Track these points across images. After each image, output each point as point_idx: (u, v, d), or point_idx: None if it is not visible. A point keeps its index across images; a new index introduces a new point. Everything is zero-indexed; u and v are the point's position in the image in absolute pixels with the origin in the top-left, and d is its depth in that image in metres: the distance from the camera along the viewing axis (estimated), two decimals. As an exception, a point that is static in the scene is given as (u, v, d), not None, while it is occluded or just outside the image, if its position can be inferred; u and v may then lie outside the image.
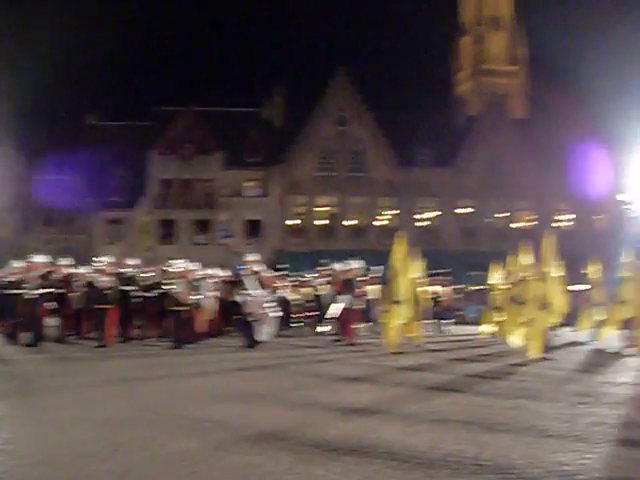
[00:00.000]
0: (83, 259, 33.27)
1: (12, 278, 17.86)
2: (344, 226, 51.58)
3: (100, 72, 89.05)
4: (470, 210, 53.24)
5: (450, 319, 28.97)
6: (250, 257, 17.54)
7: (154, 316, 19.67)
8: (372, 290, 22.42)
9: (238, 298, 16.93)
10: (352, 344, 17.64)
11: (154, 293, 19.06)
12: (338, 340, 18.82)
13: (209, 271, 20.53)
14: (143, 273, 19.62)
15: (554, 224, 50.42)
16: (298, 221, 51.72)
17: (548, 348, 14.22)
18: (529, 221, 53.03)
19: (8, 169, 49.50)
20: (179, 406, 7.53)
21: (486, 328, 21.50)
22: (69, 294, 18.82)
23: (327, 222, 51.81)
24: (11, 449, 5.41)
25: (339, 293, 18.89)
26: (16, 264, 18.37)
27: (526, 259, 16.01)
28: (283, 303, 22.88)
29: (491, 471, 4.72)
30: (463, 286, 42.70)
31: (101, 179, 50.31)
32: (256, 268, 17.35)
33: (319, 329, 23.02)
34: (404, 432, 6.06)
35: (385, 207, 52.44)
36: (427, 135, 51.49)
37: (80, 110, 58.09)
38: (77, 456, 5.17)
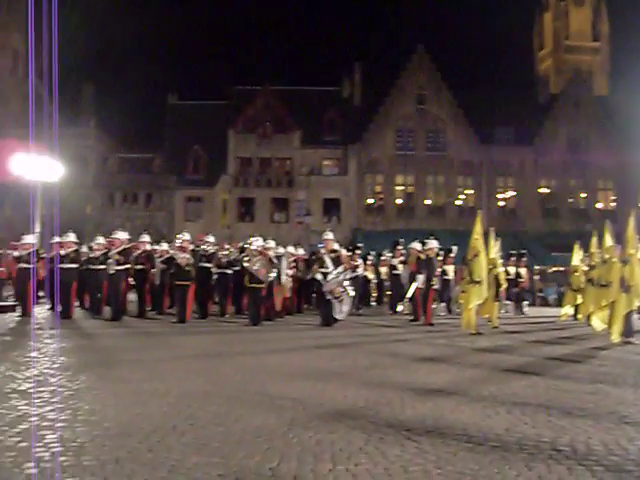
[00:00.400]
0: (164, 236, 33.94)
1: (95, 254, 18.28)
2: (422, 205, 51.20)
3: (182, 52, 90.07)
4: (551, 190, 52.16)
5: (528, 300, 28.55)
6: (328, 235, 17.55)
7: (232, 293, 19.91)
8: (449, 270, 22.25)
9: (317, 276, 16.98)
10: (429, 324, 17.54)
11: (232, 270, 19.26)
12: (415, 320, 18.75)
13: (287, 249, 20.63)
14: (222, 250, 19.83)
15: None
16: (376, 200, 51.53)
17: (630, 332, 13.87)
18: (611, 201, 51.74)
19: (92, 148, 50.64)
20: (255, 383, 7.61)
21: (567, 310, 21.11)
22: (150, 270, 19.20)
23: (405, 201, 51.48)
24: (94, 420, 5.56)
25: (416, 272, 18.78)
26: (99, 240, 18.79)
27: (608, 240, 15.60)
28: (361, 282, 22.90)
29: (568, 457, 4.64)
30: (544, 267, 42.08)
31: (182, 157, 50.99)
32: (334, 246, 17.37)
33: (396, 308, 22.97)
34: (480, 414, 6.00)
35: (464, 186, 51.80)
36: (507, 113, 50.59)
37: (162, 90, 58.97)
38: (155, 429, 5.28)
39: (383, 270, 24.72)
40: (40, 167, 27.08)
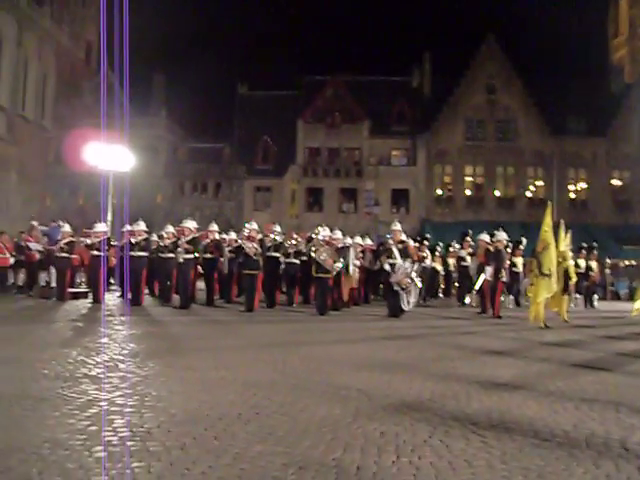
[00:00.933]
0: (232, 225, 34.27)
1: (165, 242, 18.56)
2: (491, 196, 50.58)
3: (252, 42, 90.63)
4: (623, 182, 50.98)
5: (599, 294, 28.02)
6: (396, 226, 17.48)
7: (300, 283, 20.00)
8: (518, 262, 21.97)
9: (384, 267, 16.94)
10: (497, 317, 17.36)
11: (300, 260, 19.34)
12: (482, 312, 18.58)
13: (355, 239, 20.62)
14: (290, 240, 19.92)
15: None
16: (444, 191, 51.11)
17: None
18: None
19: (163, 137, 51.35)
20: (321, 373, 7.62)
21: (638, 305, 20.62)
22: (219, 259, 19.39)
23: (474, 192, 50.94)
24: (161, 406, 5.64)
25: (484, 264, 18.60)
26: (169, 229, 19.07)
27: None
28: (429, 273, 22.79)
29: (638, 456, 4.54)
30: (615, 261, 41.23)
31: (251, 147, 51.34)
32: (402, 237, 17.31)
33: (464, 300, 22.80)
34: (547, 409, 5.91)
35: (534, 177, 50.96)
36: (579, 103, 49.50)
37: (232, 80, 59.45)
38: (221, 416, 5.33)
39: (451, 262, 24.53)
40: (112, 157, 27.58)
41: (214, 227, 19.80)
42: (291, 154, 50.89)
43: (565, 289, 16.95)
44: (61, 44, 52.05)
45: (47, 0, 49.98)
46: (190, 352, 9.20)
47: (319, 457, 4.33)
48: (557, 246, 15.79)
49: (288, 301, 19.36)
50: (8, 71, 45.12)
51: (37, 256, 21.64)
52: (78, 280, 23.05)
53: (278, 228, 20.11)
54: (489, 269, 18.13)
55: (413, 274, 16.65)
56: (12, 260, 21.64)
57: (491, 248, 18.56)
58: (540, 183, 50.75)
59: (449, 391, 6.63)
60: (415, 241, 22.29)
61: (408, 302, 16.44)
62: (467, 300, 22.45)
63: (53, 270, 21.28)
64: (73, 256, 19.63)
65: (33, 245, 21.63)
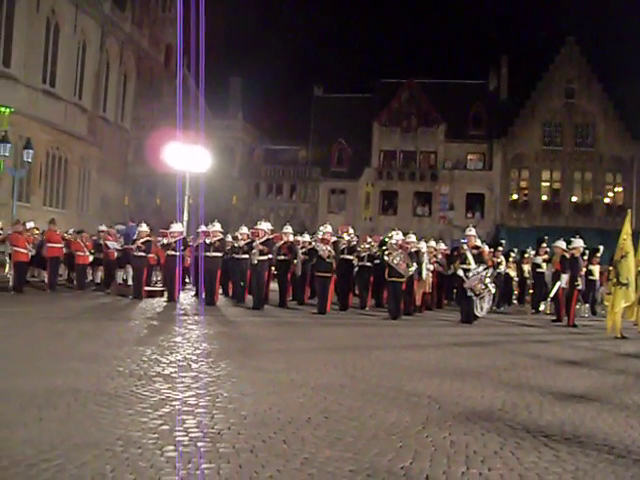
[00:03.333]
0: (307, 227, 34.41)
1: (240, 243, 18.72)
2: (568, 202, 49.62)
3: (328, 45, 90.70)
4: None
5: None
6: (470, 231, 17.30)
7: (373, 286, 19.95)
8: (595, 270, 21.51)
9: (458, 272, 16.78)
10: (572, 325, 17.02)
11: (373, 263, 19.29)
12: (557, 320, 18.24)
13: (429, 243, 20.48)
14: (364, 243, 19.88)
15: None
16: (520, 196, 50.35)
17: None
18: None
19: (239, 139, 51.88)
20: (391, 378, 7.60)
21: None
22: (292, 261, 19.47)
23: (550, 198, 50.06)
24: (232, 408, 5.71)
25: (560, 272, 18.26)
26: (244, 230, 19.22)
27: None
28: (503, 279, 22.49)
29: None
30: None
31: (326, 150, 51.46)
32: (477, 242, 17.12)
33: (538, 308, 22.42)
34: (623, 424, 5.77)
35: (613, 183, 49.75)
36: (662, 108, 48.22)
37: (308, 83, 59.71)
38: (291, 420, 5.37)
39: (526, 268, 24.12)
40: (189, 158, 27.98)
41: (288, 229, 19.87)
42: (366, 157, 50.83)
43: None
44: (141, 47, 53.11)
45: (129, 5, 51.11)
46: (262, 353, 9.27)
47: (387, 465, 4.32)
48: (636, 255, 15.40)
49: (360, 304, 19.33)
50: (90, 74, 46.25)
51: (115, 254, 22.09)
52: (154, 279, 23.43)
53: (352, 231, 20.08)
54: (565, 276, 17.79)
55: (487, 280, 16.44)
56: (91, 258, 22.14)
57: (567, 255, 18.21)
58: (619, 189, 49.57)
59: (521, 401, 6.54)
60: (489, 246, 22.00)
61: (481, 308, 16.24)
62: (541, 308, 22.04)
63: (130, 268, 21.70)
64: (150, 255, 19.97)
65: (111, 243, 22.07)
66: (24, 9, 38.94)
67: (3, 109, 35.05)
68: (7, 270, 20.43)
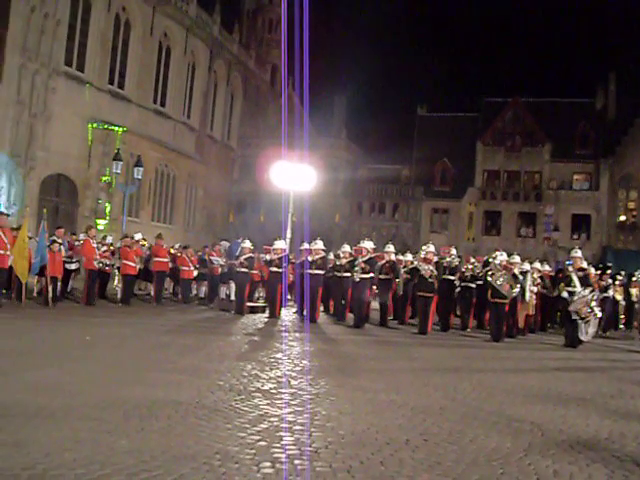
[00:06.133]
0: (409, 246, 34.22)
1: (342, 261, 18.75)
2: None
3: (431, 65, 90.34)
4: None
5: None
6: (576, 253, 16.86)
7: (475, 307, 19.65)
8: None
9: (563, 294, 16.35)
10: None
11: (476, 284, 19.00)
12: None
13: (533, 265, 20.06)
14: (466, 263, 19.63)
15: None
16: (628, 217, 48.80)
17: None
18: None
19: (342, 158, 52.12)
20: (492, 402, 7.43)
21: None
22: (394, 280, 19.37)
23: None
24: (330, 426, 5.67)
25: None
26: (346, 248, 19.24)
27: None
28: (610, 303, 21.82)
29: None
30: None
31: (429, 169, 51.22)
32: (582, 264, 16.67)
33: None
34: None
35: None
36: None
37: (412, 102, 59.58)
38: (389, 441, 5.29)
39: (634, 292, 23.36)
40: (294, 176, 28.22)
41: (390, 248, 19.79)
42: (469, 176, 50.33)
43: None
44: (248, 68, 54.08)
45: (236, 28, 52.19)
46: (361, 372, 9.22)
47: (488, 491, 4.20)
48: None
49: (462, 325, 19.06)
50: (199, 94, 47.36)
51: (219, 270, 22.47)
52: (257, 295, 23.73)
53: (454, 251, 19.86)
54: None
55: (593, 303, 15.95)
56: (196, 272, 22.58)
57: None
58: None
59: (629, 431, 6.27)
60: (596, 269, 21.39)
61: (586, 332, 15.76)
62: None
63: (233, 284, 22.03)
64: (253, 271, 20.23)
65: (215, 259, 22.47)
66: (139, 34, 40.40)
67: (116, 128, 36.30)
68: (116, 283, 21.03)
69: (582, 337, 15.71)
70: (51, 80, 33.10)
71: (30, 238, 18.06)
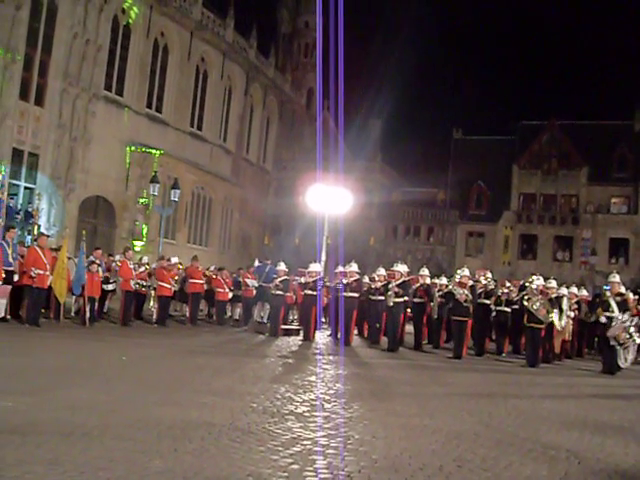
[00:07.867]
0: (444, 270, 34.08)
1: (376, 284, 18.72)
2: None
3: (467, 87, 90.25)
4: None
5: None
6: (614, 277, 16.66)
7: (510, 332, 19.47)
8: None
9: (600, 319, 16.15)
10: None
11: (512, 308, 18.85)
12: None
13: (569, 289, 19.87)
14: (502, 287, 19.50)
15: None
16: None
17: None
18: None
19: (377, 181, 52.17)
20: (528, 428, 7.35)
21: None
22: (428, 303, 19.28)
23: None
24: (363, 450, 5.65)
25: None
26: (381, 271, 19.21)
27: None
28: (648, 329, 21.51)
29: None
30: None
31: (465, 192, 51.11)
32: (621, 289, 16.46)
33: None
34: None
35: None
36: None
37: (447, 125, 59.53)
38: (422, 466, 5.26)
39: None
40: (329, 199, 28.28)
41: (425, 271, 19.73)
42: (505, 200, 50.08)
43: None
44: (284, 91, 54.51)
45: (272, 52, 52.72)
46: (395, 396, 9.19)
47: (522, 518, 4.16)
48: None
49: (497, 350, 18.89)
50: (235, 117, 47.82)
51: (253, 292, 22.55)
52: (291, 317, 23.72)
53: (490, 275, 19.73)
54: None
55: (632, 329, 15.73)
56: (230, 294, 22.69)
57: None
58: None
59: (670, 461, 6.17)
60: (634, 294, 21.11)
61: (625, 359, 15.54)
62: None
63: (267, 306, 22.09)
64: (287, 294, 20.28)
65: (250, 281, 22.56)
66: (177, 58, 41.06)
67: (154, 151, 36.78)
68: (151, 304, 21.19)
69: (620, 363, 15.49)
70: (91, 104, 33.75)
71: (69, 259, 18.35)
